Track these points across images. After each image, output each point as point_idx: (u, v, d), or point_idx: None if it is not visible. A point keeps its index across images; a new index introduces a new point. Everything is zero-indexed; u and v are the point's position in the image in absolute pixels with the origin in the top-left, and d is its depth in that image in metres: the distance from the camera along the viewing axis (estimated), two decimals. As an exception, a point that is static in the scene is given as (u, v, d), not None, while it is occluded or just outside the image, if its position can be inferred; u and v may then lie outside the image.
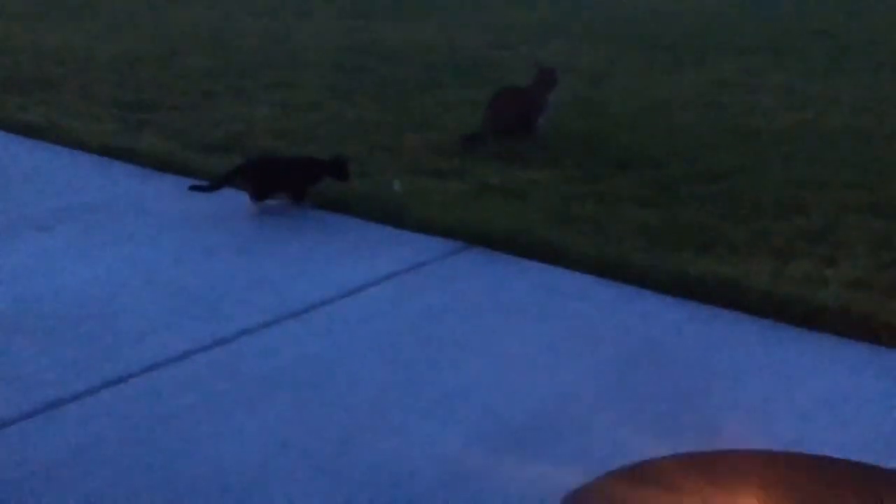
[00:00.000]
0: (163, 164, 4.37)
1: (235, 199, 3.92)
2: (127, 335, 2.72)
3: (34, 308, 2.90)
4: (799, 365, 2.58)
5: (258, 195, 3.81)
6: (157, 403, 2.35)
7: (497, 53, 7.53)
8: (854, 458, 1.57)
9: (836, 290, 2.92)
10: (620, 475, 1.45)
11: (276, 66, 6.90)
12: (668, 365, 2.57)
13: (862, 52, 7.50)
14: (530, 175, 4.14)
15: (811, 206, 3.70)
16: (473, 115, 4.98)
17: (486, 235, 3.40)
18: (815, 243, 3.33)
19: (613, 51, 7.57)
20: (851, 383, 2.48)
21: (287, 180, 3.87)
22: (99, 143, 4.68)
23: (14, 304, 2.93)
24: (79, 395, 2.38)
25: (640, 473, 1.46)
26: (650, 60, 7.12)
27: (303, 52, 7.61)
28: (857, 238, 3.37)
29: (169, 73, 6.55)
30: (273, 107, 5.50)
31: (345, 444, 2.18)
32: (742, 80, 6.33)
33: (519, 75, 5.25)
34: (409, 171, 4.19)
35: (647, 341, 2.72)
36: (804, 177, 4.08)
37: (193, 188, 3.86)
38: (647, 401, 2.38)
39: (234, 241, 3.51)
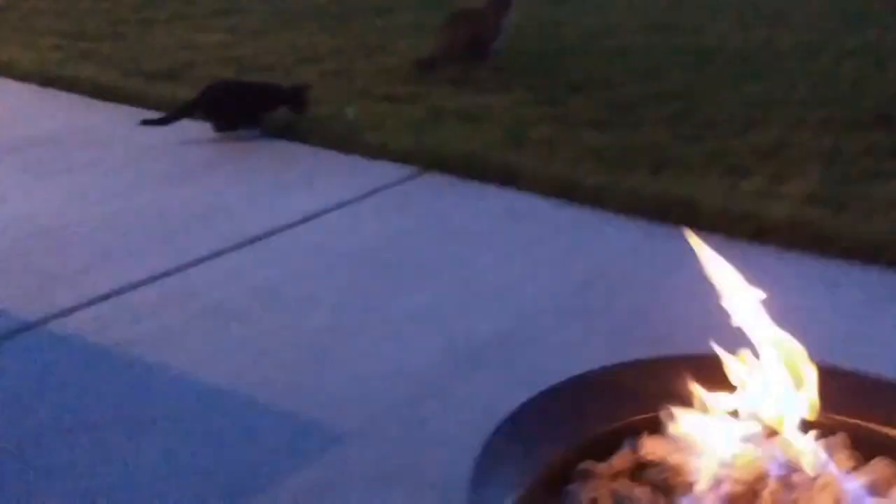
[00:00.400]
0: (107, 94, 4.26)
1: (184, 128, 3.84)
2: (76, 265, 2.67)
3: (-20, 242, 2.84)
4: (748, 278, 2.62)
5: (222, 125, 3.71)
6: (109, 333, 2.32)
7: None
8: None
9: (788, 205, 2.96)
10: (565, 385, 1.46)
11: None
12: (623, 283, 2.60)
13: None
14: (485, 99, 4.10)
15: (763, 124, 3.72)
16: (425, 41, 4.91)
17: (441, 160, 3.38)
18: (768, 160, 3.35)
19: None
20: (800, 293, 2.52)
21: (248, 107, 3.78)
22: (41, 74, 4.54)
23: (-41, 239, 2.86)
24: (30, 325, 2.34)
25: (585, 381, 1.47)
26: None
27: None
28: (808, 154, 3.40)
29: (111, 3, 6.34)
30: (219, 34, 5.36)
31: (302, 369, 2.18)
32: (694, 1, 6.29)
33: (472, 0, 5.16)
34: (362, 97, 4.12)
35: (603, 260, 2.74)
36: (756, 95, 4.09)
37: (146, 122, 3.71)
38: (604, 318, 2.40)
39: (184, 170, 3.44)
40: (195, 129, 3.84)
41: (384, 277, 2.63)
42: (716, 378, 1.44)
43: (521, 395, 1.51)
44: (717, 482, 1.21)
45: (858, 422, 1.35)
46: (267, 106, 3.79)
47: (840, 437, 1.30)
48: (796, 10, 5.88)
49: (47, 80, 4.49)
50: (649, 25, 5.56)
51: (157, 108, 4.06)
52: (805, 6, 6.01)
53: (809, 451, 1.24)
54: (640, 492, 1.24)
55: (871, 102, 3.95)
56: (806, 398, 1.34)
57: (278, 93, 3.81)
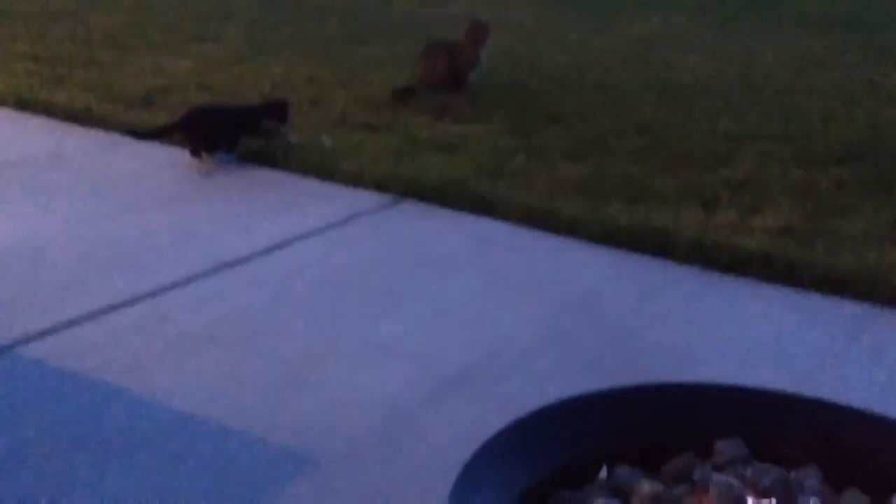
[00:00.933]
0: (82, 119, 4.23)
1: (159, 154, 3.82)
2: (48, 290, 2.63)
3: (-51, 265, 2.79)
4: (725, 309, 2.64)
5: (199, 148, 3.69)
6: (80, 359, 2.28)
7: (428, 11, 7.47)
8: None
9: (761, 237, 2.99)
10: (541, 413, 1.46)
11: (199, 21, 6.72)
12: (599, 312, 2.61)
13: (784, 9, 7.65)
14: (461, 129, 4.12)
15: (736, 158, 3.77)
16: (403, 71, 4.94)
17: (417, 188, 3.38)
18: (741, 193, 3.40)
19: (542, 8, 7.58)
20: (774, 325, 2.55)
21: (228, 130, 3.77)
22: (15, 98, 4.51)
23: (-73, 262, 2.82)
24: (-1, 350, 2.30)
25: (560, 409, 1.46)
26: (579, 18, 7.15)
27: (226, 6, 7.43)
28: (781, 188, 3.45)
29: (87, 29, 6.33)
30: (196, 60, 5.36)
31: (277, 396, 2.16)
32: (667, 37, 6.41)
33: (450, 33, 5.21)
34: (338, 126, 4.14)
35: (578, 290, 2.74)
36: (729, 129, 4.15)
37: (129, 133, 3.81)
38: (579, 346, 2.41)
39: (160, 195, 3.42)
40: (170, 154, 3.83)
41: (359, 304, 2.61)
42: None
43: (497, 423, 1.50)
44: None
45: (831, 453, 1.35)
46: (247, 126, 3.78)
47: (812, 469, 1.31)
48: (767, 49, 6.00)
49: (21, 105, 4.46)
50: (624, 60, 5.64)
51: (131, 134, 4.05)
52: (776, 46, 6.13)
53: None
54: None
55: (840, 139, 4.03)
56: None
57: (257, 111, 3.82)
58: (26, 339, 2.35)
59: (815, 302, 2.67)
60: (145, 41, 5.93)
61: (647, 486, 1.25)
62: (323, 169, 3.60)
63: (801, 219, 3.15)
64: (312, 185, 3.53)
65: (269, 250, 2.93)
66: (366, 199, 3.37)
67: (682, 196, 3.35)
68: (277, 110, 3.80)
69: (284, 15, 7.06)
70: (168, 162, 3.77)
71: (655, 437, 1.40)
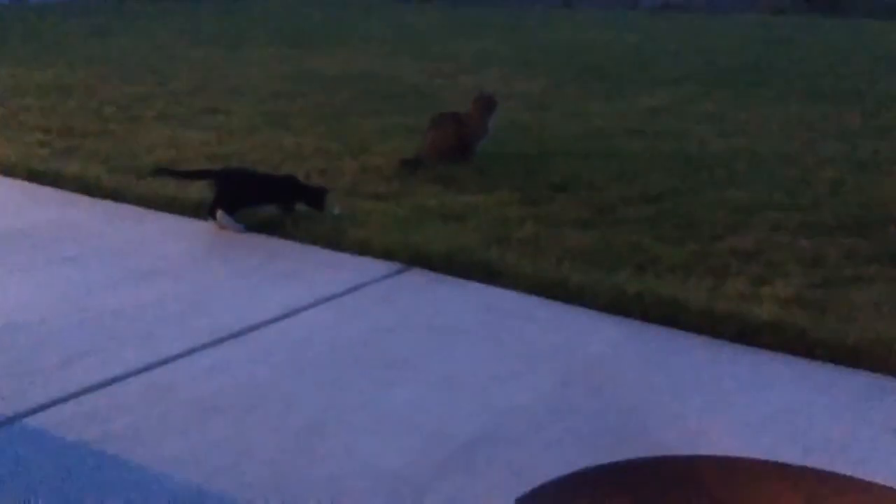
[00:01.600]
0: (92, 189, 4.27)
1: (167, 223, 3.85)
2: (55, 361, 2.62)
3: (-45, 334, 2.78)
4: (736, 380, 2.61)
5: (221, 205, 3.73)
6: (86, 429, 2.26)
7: (435, 82, 7.59)
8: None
9: (770, 307, 2.97)
10: (554, 485, 1.43)
11: (210, 93, 6.84)
12: (607, 382, 2.57)
13: (787, 81, 7.75)
14: (468, 198, 4.14)
15: (744, 228, 3.77)
16: (411, 142, 5.00)
17: (425, 257, 3.38)
18: (749, 263, 3.38)
19: (549, 80, 7.68)
20: (786, 397, 2.51)
21: (264, 197, 3.84)
22: (26, 169, 4.56)
23: (-66, 331, 2.81)
24: (2, 420, 2.27)
25: (573, 483, 1.44)
26: (585, 89, 7.25)
27: (237, 79, 7.57)
28: (789, 257, 3.44)
29: (99, 100, 6.44)
30: (206, 132, 5.43)
31: (283, 467, 2.12)
32: (674, 108, 6.47)
33: (457, 104, 5.28)
34: (347, 195, 4.16)
35: (586, 359, 2.72)
36: (736, 199, 4.16)
37: (159, 171, 3.99)
38: (587, 417, 2.37)
39: (167, 264, 3.43)
40: (177, 223, 3.85)
41: (367, 373, 2.59)
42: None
43: (503, 497, 1.47)
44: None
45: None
46: (279, 201, 3.84)
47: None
48: (773, 121, 6.05)
49: (32, 175, 4.51)
50: (631, 130, 5.69)
51: (140, 204, 4.08)
52: (782, 117, 6.19)
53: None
54: None
55: (848, 209, 4.03)
56: None
57: (294, 190, 3.87)
58: (31, 410, 2.33)
59: (826, 373, 2.63)
60: (157, 113, 6.03)
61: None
62: (331, 238, 3.61)
63: (810, 289, 3.13)
64: (320, 254, 3.53)
65: (276, 319, 2.92)
66: (374, 267, 3.37)
67: (690, 265, 3.34)
68: (316, 196, 3.85)
69: (295, 87, 7.18)
70: (176, 231, 3.79)
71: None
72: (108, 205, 4.10)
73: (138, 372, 2.56)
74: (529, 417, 2.37)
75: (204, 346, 2.72)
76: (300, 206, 3.87)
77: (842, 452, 2.21)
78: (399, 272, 3.34)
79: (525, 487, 1.53)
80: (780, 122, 6.02)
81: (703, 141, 5.41)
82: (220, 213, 3.71)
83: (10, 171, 4.60)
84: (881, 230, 3.73)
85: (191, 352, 2.69)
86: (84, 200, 4.19)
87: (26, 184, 4.46)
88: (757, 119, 6.10)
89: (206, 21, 13.15)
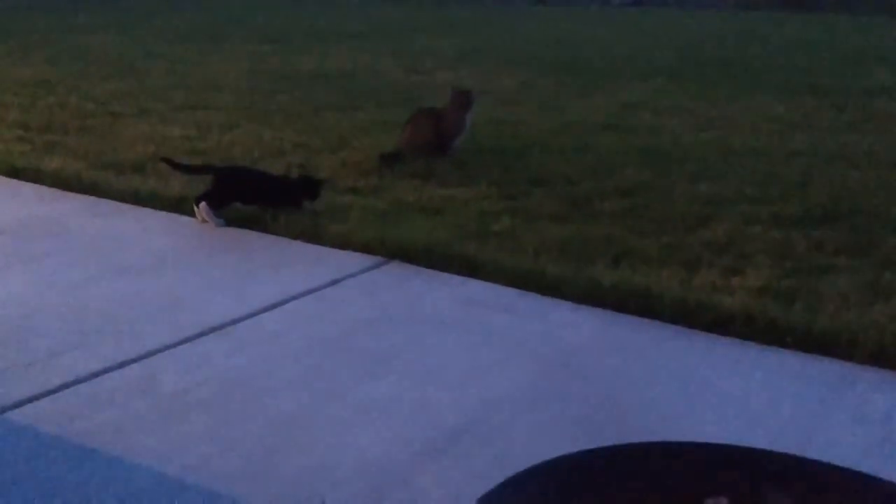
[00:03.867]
0: (72, 185, 4.28)
1: (149, 218, 3.87)
2: (37, 355, 2.64)
3: (-61, 330, 2.80)
4: (709, 368, 2.68)
5: (215, 201, 3.77)
6: (68, 423, 2.28)
7: (413, 78, 7.63)
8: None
9: (742, 297, 3.05)
10: (529, 473, 1.47)
11: (189, 89, 6.84)
12: (584, 371, 2.64)
13: (758, 77, 7.86)
14: (447, 192, 4.19)
15: (716, 220, 3.85)
16: (389, 137, 5.04)
17: (404, 250, 3.43)
18: (721, 254, 3.46)
19: (525, 76, 7.74)
20: (757, 384, 2.58)
21: (258, 197, 3.87)
22: (6, 165, 4.56)
23: (-83, 327, 2.83)
24: (-13, 415, 2.30)
25: (551, 469, 1.48)
26: (560, 85, 7.31)
27: (215, 75, 7.57)
28: (760, 249, 3.52)
29: (78, 96, 6.43)
30: (186, 127, 5.44)
31: (266, 459, 2.16)
32: (647, 103, 6.55)
33: (435, 99, 5.33)
34: (326, 190, 4.19)
35: (563, 349, 2.78)
36: (709, 192, 4.24)
37: (164, 160, 4.02)
38: (566, 405, 2.43)
39: (147, 259, 3.45)
40: (159, 219, 3.88)
41: (348, 365, 2.64)
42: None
43: (486, 485, 1.52)
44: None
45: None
46: (279, 199, 3.86)
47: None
48: (744, 115, 6.15)
49: (12, 172, 4.51)
50: (605, 125, 5.77)
51: (121, 199, 4.10)
52: (752, 111, 6.29)
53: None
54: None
55: (817, 201, 4.12)
56: None
57: (294, 185, 3.89)
58: (15, 405, 2.36)
59: (796, 361, 2.71)
60: (136, 109, 6.03)
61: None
62: (311, 232, 3.65)
63: (780, 279, 3.22)
64: (301, 248, 3.57)
65: (257, 313, 2.96)
66: (353, 261, 3.42)
67: (664, 257, 3.42)
68: (312, 187, 3.89)
69: (274, 83, 7.19)
70: (157, 227, 3.81)
71: (643, 496, 1.42)
72: (89, 200, 4.12)
73: (120, 366, 2.59)
74: (510, 407, 2.43)
75: (185, 340, 2.76)
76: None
77: (811, 438, 2.28)
78: (379, 265, 3.39)
79: (506, 475, 1.58)
80: (751, 116, 6.11)
81: (675, 135, 5.50)
82: (202, 206, 3.74)
83: (-12, 168, 4.60)
84: (849, 221, 3.83)
85: (172, 346, 2.72)
86: (65, 196, 4.20)
87: (7, 180, 4.46)
88: (728, 113, 6.20)
89: (185, 18, 13.09)
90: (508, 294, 3.16)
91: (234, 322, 2.89)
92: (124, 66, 7.95)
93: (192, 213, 3.84)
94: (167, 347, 2.71)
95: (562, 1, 16.79)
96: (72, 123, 5.56)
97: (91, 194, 4.17)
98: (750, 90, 7.12)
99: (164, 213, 3.95)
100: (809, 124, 5.86)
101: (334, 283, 3.22)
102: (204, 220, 3.75)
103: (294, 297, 3.08)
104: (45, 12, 13.27)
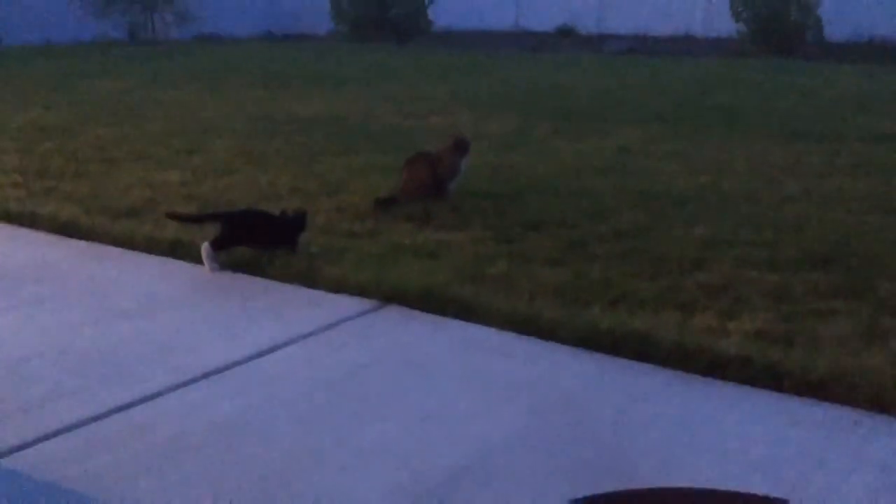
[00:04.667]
0: (69, 230, 4.28)
1: (144, 263, 3.87)
2: (30, 400, 2.62)
3: (-69, 375, 2.78)
4: (706, 412, 2.67)
5: (224, 245, 3.81)
6: (62, 470, 2.26)
7: (408, 122, 7.68)
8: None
9: (739, 340, 3.04)
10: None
11: (186, 134, 6.88)
12: (581, 416, 2.62)
13: (751, 122, 7.93)
14: (443, 236, 4.20)
15: (712, 263, 3.85)
16: (385, 181, 5.06)
17: (400, 293, 3.43)
18: (717, 297, 3.46)
19: (520, 121, 7.80)
20: (755, 429, 2.57)
21: (262, 237, 3.91)
22: (3, 210, 4.57)
23: None
24: (-21, 461, 2.28)
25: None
26: (555, 129, 7.37)
27: (213, 120, 7.62)
28: (756, 292, 3.52)
29: (76, 142, 6.46)
30: (183, 172, 5.46)
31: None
32: (643, 148, 6.60)
33: (430, 143, 5.36)
34: (323, 233, 4.21)
35: (560, 393, 2.76)
36: (704, 235, 4.25)
37: (169, 215, 4.05)
38: (562, 450, 2.41)
39: (143, 304, 3.44)
40: (154, 263, 3.88)
41: (343, 410, 2.62)
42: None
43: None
44: None
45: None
46: (278, 237, 3.91)
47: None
48: (738, 159, 6.19)
49: (7, 217, 4.52)
50: (600, 170, 5.80)
51: (116, 244, 4.10)
52: (746, 156, 6.33)
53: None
54: None
55: (812, 244, 4.13)
56: None
57: (287, 222, 3.92)
58: (8, 451, 2.34)
59: (794, 405, 2.70)
60: (133, 154, 6.06)
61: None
62: (306, 276, 3.65)
63: (777, 322, 3.21)
64: (297, 292, 3.57)
65: (252, 357, 2.95)
66: (350, 304, 3.41)
67: (660, 300, 3.41)
68: (300, 220, 3.94)
69: (270, 128, 7.24)
70: (153, 271, 3.81)
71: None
72: (85, 245, 4.12)
73: (115, 411, 2.57)
74: (506, 452, 2.41)
75: (181, 385, 2.74)
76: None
77: (809, 483, 2.26)
78: (374, 309, 3.38)
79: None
80: (745, 160, 6.15)
81: (670, 179, 5.52)
82: (204, 247, 3.76)
83: (-16, 213, 4.60)
84: (844, 265, 3.83)
85: (168, 390, 2.70)
86: (61, 242, 4.20)
87: (3, 225, 4.46)
88: (722, 158, 6.24)
89: (182, 64, 13.22)
90: (505, 337, 3.15)
91: (230, 366, 2.88)
92: (122, 112, 8.01)
93: (186, 258, 3.84)
94: (163, 392, 2.69)
95: (554, 49, 17.00)
96: (68, 168, 5.58)
97: (87, 239, 4.17)
98: (744, 135, 7.18)
99: (158, 258, 3.95)
100: (803, 169, 5.90)
101: (330, 327, 3.21)
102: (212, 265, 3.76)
103: (290, 342, 3.07)
104: (44, 58, 13.40)
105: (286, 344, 3.05)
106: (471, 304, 3.33)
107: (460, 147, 4.88)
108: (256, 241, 3.89)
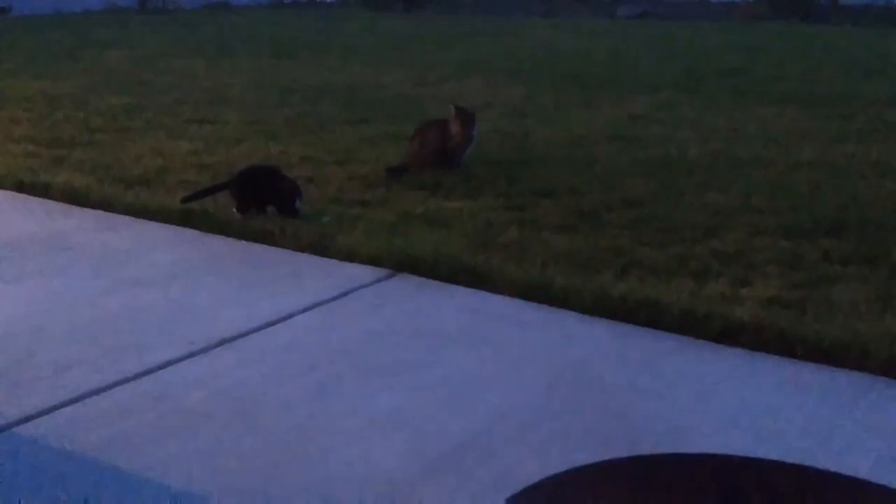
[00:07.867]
0: (81, 199, 4.30)
1: (158, 232, 3.88)
2: (47, 369, 2.65)
3: (-52, 344, 2.81)
4: (717, 378, 2.67)
5: (251, 205, 3.97)
6: (78, 436, 2.29)
7: (419, 91, 7.65)
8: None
9: (751, 307, 3.03)
10: (540, 486, 1.46)
11: (197, 103, 6.86)
12: (593, 383, 2.63)
13: (764, 88, 7.85)
14: (454, 204, 4.20)
15: (724, 230, 3.84)
16: (396, 149, 5.05)
17: (411, 262, 3.43)
18: (730, 264, 3.45)
19: (531, 88, 7.76)
20: (768, 396, 2.57)
21: (272, 193, 4.02)
22: (14, 180, 4.58)
23: (-74, 341, 2.83)
24: (-3, 429, 2.31)
25: (560, 483, 1.47)
26: (567, 97, 7.32)
27: (224, 89, 7.60)
28: (769, 259, 3.51)
29: (86, 111, 6.46)
30: (194, 141, 5.46)
31: (274, 471, 2.16)
32: (654, 115, 6.55)
33: (441, 111, 5.34)
34: (334, 203, 4.21)
35: (571, 361, 2.77)
36: (716, 203, 4.24)
37: (185, 199, 4.06)
38: (575, 418, 2.42)
39: (156, 273, 3.46)
40: (167, 232, 3.89)
41: (356, 378, 2.63)
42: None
43: (494, 498, 1.52)
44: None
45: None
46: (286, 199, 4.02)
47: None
48: (750, 125, 6.15)
49: (21, 186, 4.53)
50: (611, 137, 5.77)
51: (129, 213, 4.12)
52: (758, 122, 6.28)
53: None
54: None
55: (825, 211, 4.11)
56: None
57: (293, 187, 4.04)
58: (24, 419, 2.36)
59: (807, 371, 2.70)
60: (144, 123, 6.06)
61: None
62: (318, 245, 3.65)
63: (790, 289, 3.20)
64: (308, 261, 3.58)
65: (265, 326, 2.96)
66: (361, 273, 3.42)
67: (672, 267, 3.41)
68: (291, 188, 4.05)
69: (280, 97, 7.22)
70: (165, 240, 3.82)
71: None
72: (98, 214, 4.13)
73: (130, 380, 2.59)
74: (518, 419, 2.42)
75: (194, 354, 2.76)
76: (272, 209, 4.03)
77: (822, 449, 2.27)
78: (386, 278, 3.39)
79: (514, 489, 1.58)
80: (757, 127, 6.11)
81: (682, 146, 5.49)
82: (234, 214, 3.99)
83: (-2, 183, 4.62)
84: (857, 232, 3.82)
85: (181, 359, 2.72)
86: (73, 210, 4.21)
87: (16, 194, 4.48)
88: (734, 124, 6.19)
89: (192, 33, 13.16)
90: (516, 305, 3.15)
91: (244, 335, 2.89)
92: (133, 81, 8.00)
93: (199, 226, 3.85)
94: (177, 361, 2.71)
95: (566, 14, 16.84)
96: (80, 138, 5.58)
97: (100, 208, 4.19)
98: (756, 101, 7.12)
99: (172, 227, 3.96)
100: (816, 135, 5.86)
101: (342, 295, 3.22)
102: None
103: (302, 311, 3.08)
104: (54, 27, 13.36)
105: (298, 313, 3.07)
106: (482, 271, 3.34)
107: (469, 115, 4.85)
108: (265, 194, 4.00)
